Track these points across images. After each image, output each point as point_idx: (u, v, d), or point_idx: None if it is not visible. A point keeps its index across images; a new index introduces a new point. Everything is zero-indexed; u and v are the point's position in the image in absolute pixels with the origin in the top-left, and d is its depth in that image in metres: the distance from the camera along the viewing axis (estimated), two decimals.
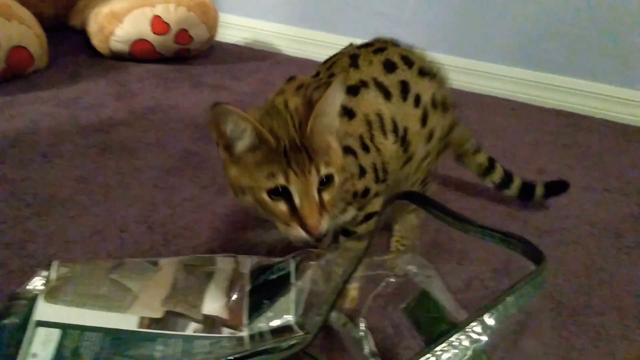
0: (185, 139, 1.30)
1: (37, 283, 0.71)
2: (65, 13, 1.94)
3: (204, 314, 0.71)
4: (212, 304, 0.72)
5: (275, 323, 0.69)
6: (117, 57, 1.75)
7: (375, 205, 0.76)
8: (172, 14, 1.71)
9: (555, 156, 1.35)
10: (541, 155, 1.36)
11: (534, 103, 1.68)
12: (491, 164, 1.04)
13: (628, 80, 1.58)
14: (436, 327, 0.58)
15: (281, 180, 0.60)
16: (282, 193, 0.61)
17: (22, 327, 0.64)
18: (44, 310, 0.67)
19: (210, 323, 0.70)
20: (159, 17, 1.69)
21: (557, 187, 1.08)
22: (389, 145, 0.75)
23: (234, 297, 0.73)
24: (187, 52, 1.81)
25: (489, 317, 0.44)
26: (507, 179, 1.06)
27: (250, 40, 2.06)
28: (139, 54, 1.74)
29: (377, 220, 0.70)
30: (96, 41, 1.74)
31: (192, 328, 0.69)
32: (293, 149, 0.60)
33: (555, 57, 1.65)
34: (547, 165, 1.30)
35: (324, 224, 0.62)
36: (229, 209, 1.04)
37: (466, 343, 0.42)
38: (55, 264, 0.74)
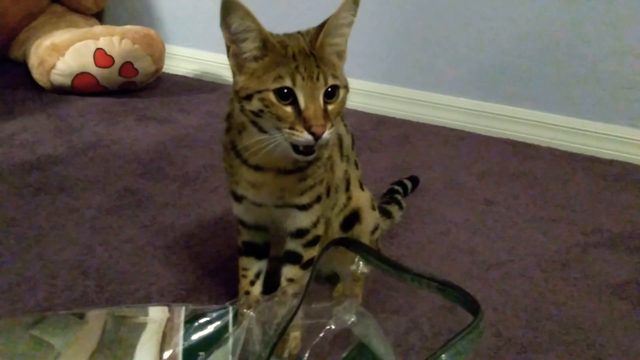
0: (127, 176, 1.26)
1: None
2: (6, 45, 1.88)
3: None
4: (145, 357, 0.68)
5: None
6: (59, 91, 1.70)
7: (320, 230, 0.78)
8: (116, 46, 1.67)
9: (502, 186, 1.36)
10: (488, 185, 1.36)
11: (482, 132, 1.69)
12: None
13: (573, 109, 1.60)
14: None
15: (288, 82, 0.62)
16: (288, 95, 0.63)
17: None
18: None
19: None
20: (103, 50, 1.65)
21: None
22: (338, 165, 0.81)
23: (168, 350, 0.69)
24: (132, 85, 1.76)
25: None
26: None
27: (198, 71, 2.03)
28: (82, 88, 1.69)
29: (313, 267, 0.68)
30: (37, 74, 1.68)
31: None
32: (302, 55, 0.63)
33: (501, 88, 1.67)
34: (494, 196, 1.30)
35: (327, 132, 0.63)
36: (169, 250, 1.00)
37: None
38: None
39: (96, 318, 0.72)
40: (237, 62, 0.66)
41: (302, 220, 0.76)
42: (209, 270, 0.95)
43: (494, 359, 0.81)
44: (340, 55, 0.68)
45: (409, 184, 1.26)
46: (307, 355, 0.65)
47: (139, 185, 1.22)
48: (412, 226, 1.14)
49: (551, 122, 1.64)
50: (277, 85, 0.62)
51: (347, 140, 0.85)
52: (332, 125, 0.65)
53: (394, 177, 1.26)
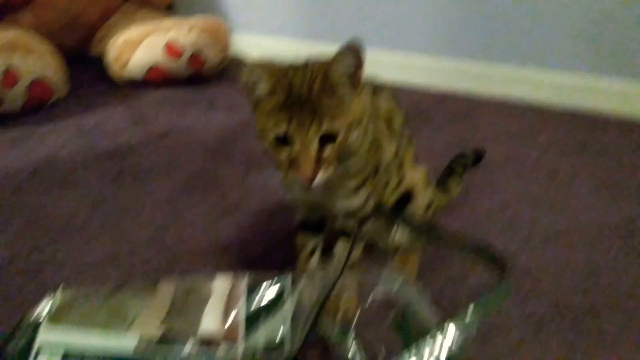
0: (197, 161, 1.33)
1: (42, 308, 0.74)
2: (86, 43, 2.01)
3: (201, 333, 0.73)
4: (210, 322, 0.74)
5: (269, 338, 0.70)
6: (133, 85, 1.81)
7: (370, 207, 0.80)
8: (185, 38, 1.76)
9: (566, 158, 1.34)
10: (552, 158, 1.34)
11: (545, 105, 1.66)
12: None
13: None
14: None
15: (283, 129, 0.67)
16: (285, 141, 0.68)
17: (27, 349, 0.68)
18: (47, 333, 0.70)
19: (207, 342, 0.72)
20: (172, 42, 1.74)
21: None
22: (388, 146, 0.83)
23: (231, 316, 0.75)
24: (201, 75, 1.85)
25: (454, 327, 0.44)
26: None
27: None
28: (154, 80, 1.79)
29: (354, 238, 0.72)
30: (113, 69, 1.80)
31: (189, 347, 0.71)
32: (298, 104, 0.67)
33: (567, 57, 1.63)
34: (557, 168, 1.29)
35: (319, 176, 0.68)
36: (236, 228, 1.06)
37: (426, 350, 0.43)
38: (59, 290, 0.77)
39: (167, 287, 0.79)
40: (255, 106, 0.71)
41: (351, 202, 0.80)
42: (271, 245, 1.01)
43: (550, 325, 0.82)
44: (345, 91, 0.69)
45: (471, 158, 1.26)
46: (356, 319, 0.69)
47: (208, 169, 1.30)
48: (472, 200, 1.15)
49: (618, 90, 1.59)
50: (275, 131, 0.68)
51: (398, 118, 0.87)
52: (328, 168, 0.69)
53: (455, 153, 1.27)
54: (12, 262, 0.97)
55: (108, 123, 1.55)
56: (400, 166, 0.87)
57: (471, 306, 0.45)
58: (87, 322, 0.72)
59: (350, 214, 0.81)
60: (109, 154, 1.37)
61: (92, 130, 1.51)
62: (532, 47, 1.67)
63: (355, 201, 0.80)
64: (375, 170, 0.81)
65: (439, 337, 0.44)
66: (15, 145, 1.42)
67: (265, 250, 1.00)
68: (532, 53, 1.67)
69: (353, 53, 0.67)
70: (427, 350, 0.44)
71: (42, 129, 1.51)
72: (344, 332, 0.73)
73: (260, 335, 0.72)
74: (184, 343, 0.70)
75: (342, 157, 0.71)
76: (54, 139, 1.45)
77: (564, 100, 1.65)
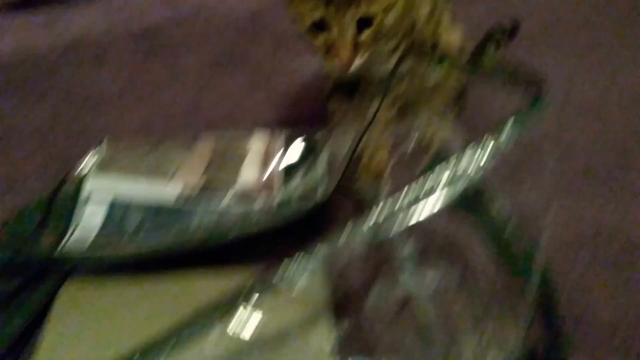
0: (227, 39, 1.33)
1: (89, 160, 0.78)
2: None
3: (240, 184, 0.76)
4: (248, 175, 0.77)
5: (304, 187, 0.73)
6: None
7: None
8: None
9: (605, 31, 1.29)
10: (591, 31, 1.30)
11: None
12: None
13: None
14: None
15: (320, 14, 0.66)
16: (322, 27, 0.67)
17: (75, 198, 0.71)
18: (94, 183, 0.74)
19: (246, 192, 0.75)
20: None
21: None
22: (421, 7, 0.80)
23: (269, 166, 0.77)
24: None
25: (490, 140, 0.46)
26: None
27: None
28: None
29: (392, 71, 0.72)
30: None
31: (229, 198, 0.74)
32: None
33: None
34: (595, 40, 1.25)
35: (356, 59, 0.68)
36: (267, 96, 1.07)
37: (463, 163, 0.45)
38: (105, 142, 0.80)
39: (207, 141, 0.81)
40: None
41: (386, 65, 0.78)
42: (307, 113, 1.02)
43: (582, 181, 0.83)
44: None
45: (506, 31, 1.23)
46: (391, 165, 0.71)
47: (238, 46, 1.29)
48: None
49: None
50: (312, 17, 0.66)
51: None
52: (367, 51, 0.68)
53: (491, 24, 1.23)
54: (54, 128, 1.00)
55: (137, 3, 1.54)
56: (437, 26, 0.86)
57: (510, 120, 0.46)
58: (132, 172, 0.75)
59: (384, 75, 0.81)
60: (139, 33, 1.37)
61: (121, 9, 1.50)
62: None
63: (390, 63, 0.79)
64: (412, 28, 0.80)
65: (477, 151, 0.45)
66: (47, 26, 1.43)
67: (297, 117, 1.01)
68: None
69: None
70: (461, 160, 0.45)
71: (72, 10, 1.51)
72: (376, 184, 0.75)
73: (296, 185, 0.74)
74: (224, 193, 0.73)
75: (378, 39, 0.70)
76: (84, 20, 1.45)
77: None
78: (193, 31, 1.36)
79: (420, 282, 0.57)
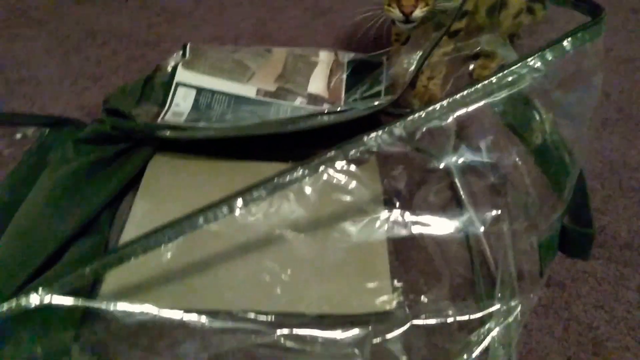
0: None
1: (174, 58, 0.87)
2: None
3: (309, 92, 0.84)
4: (316, 84, 0.86)
5: (367, 94, 0.81)
6: None
7: (469, 4, 0.85)
8: None
9: None
10: None
11: None
12: None
13: None
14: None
15: None
16: None
17: (168, 85, 0.81)
18: (183, 75, 0.83)
19: (314, 99, 0.84)
20: None
21: None
22: None
23: (334, 80, 0.86)
24: None
25: (549, 53, 0.54)
26: None
27: None
28: None
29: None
30: None
31: (298, 101, 0.83)
32: None
33: None
34: None
35: (418, 11, 0.74)
36: (329, 27, 1.15)
37: (524, 70, 0.53)
38: (188, 45, 0.89)
39: (280, 52, 0.90)
40: None
41: (447, 4, 0.84)
42: (366, 42, 1.09)
43: (614, 124, 0.91)
44: None
45: None
46: (448, 87, 0.79)
47: None
48: (552, 27, 1.20)
49: None
50: None
51: None
52: (427, 5, 0.73)
53: None
54: (133, 34, 1.10)
55: None
56: None
57: (563, 38, 0.53)
58: (214, 70, 0.84)
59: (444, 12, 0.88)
60: None
61: None
62: None
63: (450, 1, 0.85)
64: None
65: (535, 60, 0.53)
66: None
67: (359, 44, 1.08)
68: None
69: None
70: (521, 69, 0.54)
71: None
72: None
73: (360, 93, 0.83)
74: (296, 95, 0.82)
75: None
76: None
77: None
78: None
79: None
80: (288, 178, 0.52)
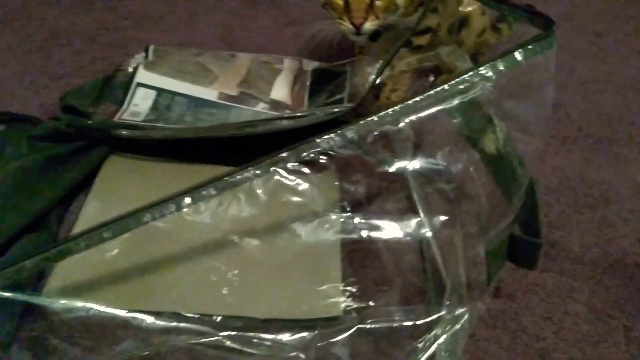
0: None
1: (137, 59, 0.86)
2: None
3: (271, 98, 0.84)
4: (279, 91, 0.86)
5: (329, 101, 0.81)
6: None
7: (429, 22, 0.87)
8: None
9: (616, 22, 1.38)
10: (601, 21, 1.38)
11: None
12: None
13: None
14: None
15: None
16: None
17: (127, 84, 0.80)
18: (144, 75, 0.82)
19: (276, 105, 0.84)
20: None
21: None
22: None
23: (297, 87, 0.86)
24: None
25: (500, 63, 0.54)
26: None
27: None
28: None
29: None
30: None
31: (260, 106, 0.83)
32: None
33: None
34: (606, 30, 1.33)
35: (369, 24, 0.75)
36: (296, 36, 1.15)
37: (476, 79, 0.53)
38: (151, 47, 0.88)
39: (245, 57, 0.90)
40: None
41: (409, 21, 0.84)
42: (332, 52, 1.10)
43: (573, 143, 0.92)
44: None
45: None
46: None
47: None
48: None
49: None
50: None
51: None
52: (377, 18, 0.75)
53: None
54: (99, 35, 1.09)
55: None
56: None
57: (516, 49, 0.54)
58: (176, 73, 0.84)
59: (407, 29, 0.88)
60: None
61: None
62: None
63: (412, 19, 0.86)
64: None
65: (486, 69, 0.54)
66: None
67: (326, 54, 1.09)
68: None
69: None
70: (472, 77, 0.54)
71: None
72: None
73: (320, 104, 0.83)
74: (258, 100, 0.82)
75: (390, 9, 0.77)
76: None
77: None
78: None
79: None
80: (238, 177, 0.52)
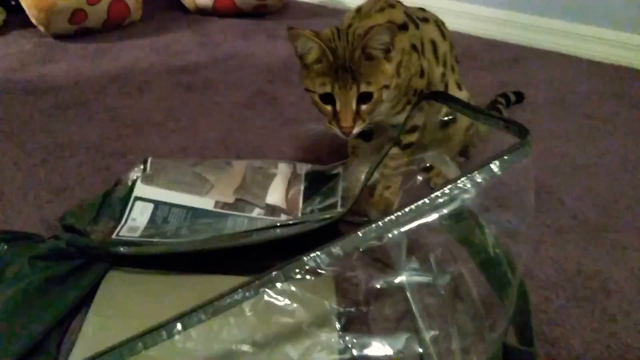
0: (259, 81, 1.46)
1: (135, 172, 0.89)
2: None
3: (266, 203, 0.86)
4: (274, 196, 0.88)
5: (323, 205, 0.83)
6: (202, 13, 1.94)
7: (417, 120, 0.90)
8: None
9: (604, 104, 1.41)
10: (591, 103, 1.42)
11: (590, 57, 1.72)
12: None
13: None
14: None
15: (328, 89, 0.77)
16: (329, 99, 0.78)
17: (126, 199, 0.83)
18: (141, 189, 0.85)
19: (271, 210, 0.86)
20: None
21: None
22: (435, 68, 0.91)
23: (292, 191, 0.88)
24: (264, 9, 1.96)
25: (478, 175, 0.56)
26: None
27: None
28: (222, 9, 1.92)
29: (407, 118, 0.83)
30: None
31: (256, 212, 0.85)
32: (342, 68, 0.76)
33: (616, 13, 1.68)
34: (594, 112, 1.37)
35: (356, 127, 0.79)
36: (292, 136, 1.19)
37: (455, 192, 0.55)
38: (149, 159, 0.91)
39: (240, 165, 0.93)
40: (303, 66, 0.81)
41: (398, 119, 0.89)
42: (326, 151, 1.14)
43: (568, 233, 0.93)
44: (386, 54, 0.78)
45: (512, 97, 1.36)
46: (398, 200, 0.82)
47: (269, 88, 1.42)
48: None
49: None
50: (321, 91, 0.77)
51: (442, 47, 0.95)
52: (364, 121, 0.79)
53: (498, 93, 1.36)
54: (102, 145, 1.13)
55: (178, 44, 1.69)
56: (445, 88, 0.97)
57: (493, 160, 0.56)
58: (173, 185, 0.86)
59: (397, 127, 0.92)
60: (180, 69, 1.51)
61: (164, 48, 1.65)
62: (582, 5, 1.72)
63: (401, 118, 0.89)
64: (420, 93, 0.90)
65: (465, 181, 0.56)
66: (97, 56, 1.58)
67: (320, 155, 1.12)
68: (581, 11, 1.73)
69: (390, 32, 0.76)
70: (452, 190, 0.56)
71: (120, 44, 1.66)
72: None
73: (314, 208, 0.85)
74: (254, 206, 0.84)
75: (376, 109, 0.81)
76: (131, 54, 1.59)
77: (606, 55, 1.71)
78: (228, 72, 1.50)
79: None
80: (228, 301, 0.52)
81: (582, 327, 0.75)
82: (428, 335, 0.64)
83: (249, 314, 0.59)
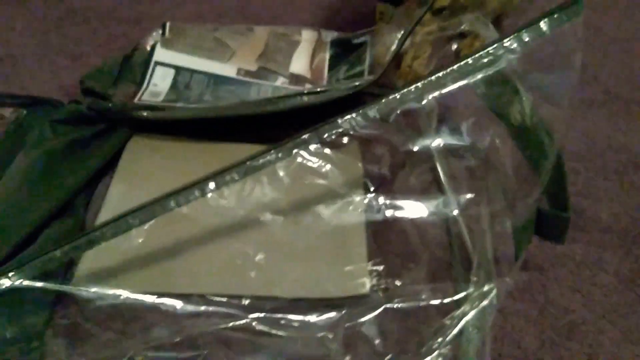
0: None
1: (154, 37, 0.85)
2: None
3: (290, 72, 0.83)
4: (298, 64, 0.84)
5: (349, 74, 0.80)
6: None
7: None
8: None
9: None
10: None
11: None
12: None
13: None
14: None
15: None
16: None
17: (146, 64, 0.80)
18: (161, 54, 0.82)
19: (295, 79, 0.83)
20: None
21: None
22: None
23: (316, 59, 0.85)
24: None
25: (525, 34, 0.53)
26: None
27: None
28: None
29: None
30: None
31: (280, 81, 0.82)
32: None
33: None
34: None
35: None
36: (314, 4, 1.13)
37: (500, 51, 0.52)
38: (168, 24, 0.87)
39: (262, 31, 0.88)
40: None
41: None
42: (350, 19, 1.08)
43: (601, 108, 0.90)
44: None
45: None
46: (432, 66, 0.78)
47: None
48: (553, 3, 1.18)
49: None
50: None
51: None
52: None
53: None
54: (114, 12, 1.08)
55: None
56: None
57: (541, 19, 0.52)
58: (193, 49, 0.83)
59: None
60: None
61: None
62: None
63: None
64: None
65: (511, 41, 0.52)
66: None
67: (345, 22, 1.07)
68: None
69: None
70: (497, 50, 0.53)
71: None
72: None
73: (340, 77, 0.82)
74: (278, 75, 0.81)
75: None
76: None
77: None
78: None
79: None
80: (261, 161, 0.51)
81: (609, 199, 0.74)
82: (456, 200, 0.63)
83: (281, 174, 0.59)
